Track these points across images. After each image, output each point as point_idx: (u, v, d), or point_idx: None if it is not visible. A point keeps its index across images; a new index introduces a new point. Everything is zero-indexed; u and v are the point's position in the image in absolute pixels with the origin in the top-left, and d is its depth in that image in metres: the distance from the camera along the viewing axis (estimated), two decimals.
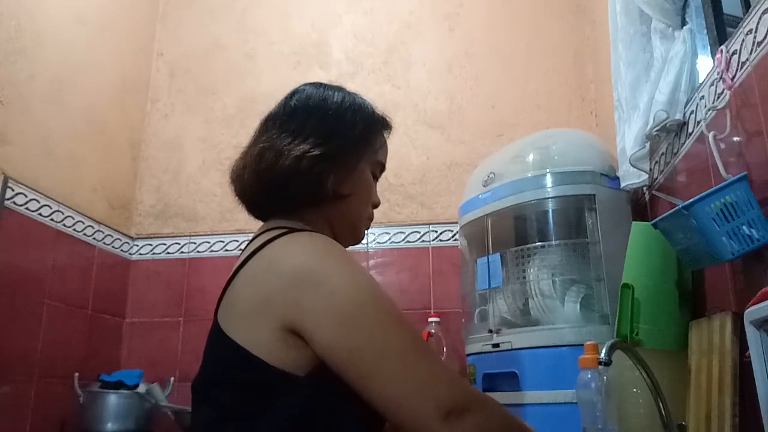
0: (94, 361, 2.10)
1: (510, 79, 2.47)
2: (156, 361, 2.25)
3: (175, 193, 2.50)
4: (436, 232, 2.33)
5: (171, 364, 2.24)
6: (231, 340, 0.77)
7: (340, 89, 0.97)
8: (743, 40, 1.01)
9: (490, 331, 1.61)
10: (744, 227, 0.94)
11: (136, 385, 2.00)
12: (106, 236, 2.24)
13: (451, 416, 0.68)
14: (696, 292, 1.27)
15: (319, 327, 0.72)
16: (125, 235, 2.39)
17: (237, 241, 2.39)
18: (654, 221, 1.15)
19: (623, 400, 1.16)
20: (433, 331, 2.03)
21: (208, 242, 2.42)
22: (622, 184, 1.57)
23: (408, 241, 2.33)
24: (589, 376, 0.95)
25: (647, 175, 1.50)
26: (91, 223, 2.16)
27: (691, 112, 1.28)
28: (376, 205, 1.00)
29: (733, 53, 1.05)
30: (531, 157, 1.68)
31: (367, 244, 2.33)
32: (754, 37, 0.97)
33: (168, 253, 2.42)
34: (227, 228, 2.42)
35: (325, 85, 0.98)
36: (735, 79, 1.04)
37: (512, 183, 1.65)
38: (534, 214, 1.68)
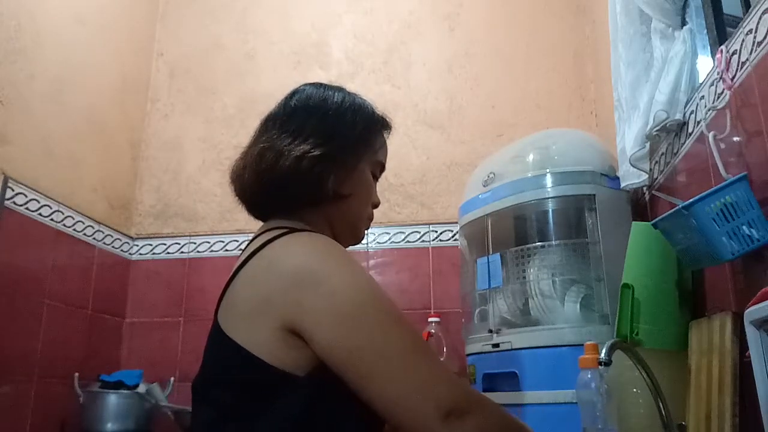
0: (94, 361, 2.10)
1: (510, 79, 2.47)
2: (156, 361, 2.25)
3: (175, 193, 2.50)
4: (436, 232, 2.33)
5: (171, 364, 2.24)
6: (231, 340, 0.77)
7: (340, 89, 0.97)
8: (743, 40, 1.01)
9: (490, 331, 1.61)
10: (744, 227, 0.94)
11: (136, 385, 2.00)
12: (106, 236, 2.24)
13: (451, 417, 0.68)
14: (696, 292, 1.27)
15: (319, 327, 0.72)
16: (125, 235, 2.39)
17: (237, 241, 2.39)
18: (654, 221, 1.15)
19: (623, 400, 1.16)
20: (433, 331, 2.03)
21: (208, 242, 2.42)
22: (622, 184, 1.57)
23: (408, 241, 2.33)
24: (589, 376, 0.95)
25: (647, 175, 1.50)
26: (91, 223, 2.16)
27: (691, 112, 1.28)
28: (376, 205, 1.00)
29: (733, 53, 1.05)
30: (531, 157, 1.68)
31: (367, 244, 2.33)
32: (754, 37, 0.97)
33: (168, 253, 2.42)
34: (227, 228, 2.42)
35: (325, 85, 0.98)
36: (735, 79, 1.04)
37: (512, 183, 1.65)
38: (534, 214, 1.68)
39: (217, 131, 2.54)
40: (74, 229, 2.06)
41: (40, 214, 1.89)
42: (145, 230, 2.46)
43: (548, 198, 1.60)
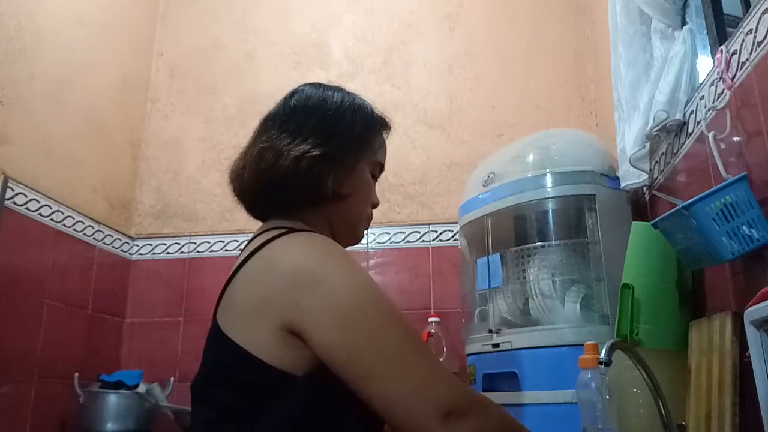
0: (94, 361, 2.10)
1: (510, 79, 2.47)
2: (156, 361, 2.25)
3: (175, 193, 2.50)
4: (436, 232, 2.33)
5: (171, 364, 2.24)
6: (230, 340, 0.77)
7: (339, 89, 0.97)
8: (743, 40, 1.01)
9: (490, 331, 1.61)
10: (744, 227, 0.94)
11: (136, 385, 2.00)
12: (106, 236, 2.24)
13: (450, 417, 0.68)
14: (696, 292, 1.27)
15: (317, 327, 0.72)
16: (125, 235, 2.39)
17: (237, 241, 2.39)
18: (654, 221, 1.15)
19: (623, 400, 1.16)
20: (433, 331, 2.03)
21: (208, 242, 2.42)
22: (622, 184, 1.56)
23: (408, 241, 2.33)
24: (589, 376, 0.95)
25: (647, 175, 1.50)
26: (91, 223, 2.16)
27: (691, 112, 1.28)
28: (375, 205, 1.00)
29: (733, 53, 1.05)
30: (531, 157, 1.68)
31: (367, 244, 2.33)
32: (754, 37, 0.97)
33: (168, 253, 2.42)
34: (227, 228, 2.42)
35: (325, 85, 0.98)
36: (735, 79, 1.04)
37: (512, 183, 1.65)
38: (534, 214, 1.68)
39: (217, 131, 2.54)
40: (74, 229, 2.06)
41: (40, 214, 1.89)
42: (145, 230, 2.46)
43: (548, 198, 1.60)
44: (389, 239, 2.34)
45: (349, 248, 0.95)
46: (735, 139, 1.06)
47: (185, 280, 2.37)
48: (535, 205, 1.64)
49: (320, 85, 0.98)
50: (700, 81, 1.27)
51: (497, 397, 1.49)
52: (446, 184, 2.38)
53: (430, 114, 2.47)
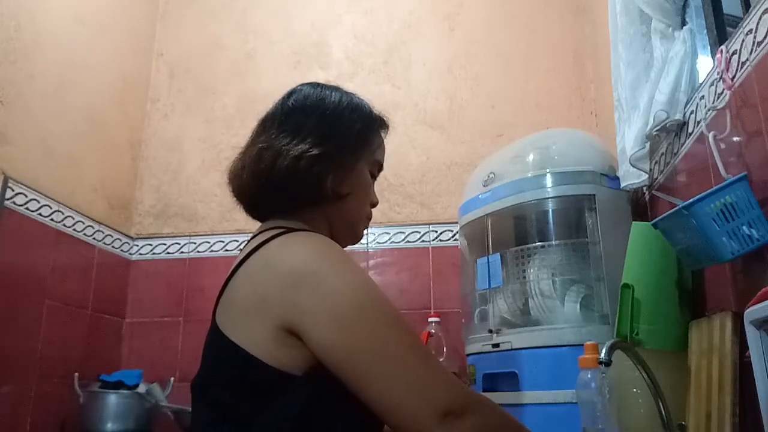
0: (94, 361, 2.10)
1: (510, 79, 2.47)
2: (156, 361, 2.25)
3: (175, 193, 2.50)
4: (436, 232, 2.33)
5: (171, 364, 2.24)
6: (229, 340, 0.77)
7: (337, 89, 0.97)
8: (743, 40, 1.01)
9: (490, 331, 1.61)
10: (744, 227, 0.94)
11: (136, 385, 2.00)
12: (106, 236, 2.25)
13: (449, 417, 0.68)
14: (696, 292, 1.27)
15: (316, 328, 0.72)
16: (125, 235, 2.39)
17: (237, 241, 2.39)
18: (654, 221, 1.15)
19: (623, 400, 1.16)
20: (433, 331, 2.02)
21: (208, 242, 2.42)
22: (622, 184, 1.56)
23: (408, 241, 2.33)
24: (589, 376, 0.95)
25: (647, 175, 1.50)
26: (91, 223, 2.16)
27: (691, 112, 1.28)
28: (374, 205, 1.00)
29: (733, 53, 1.05)
30: (531, 157, 1.68)
31: (366, 244, 2.33)
32: (754, 37, 0.97)
33: (168, 253, 2.42)
34: (227, 228, 2.42)
35: (322, 84, 0.98)
36: (735, 79, 1.04)
37: (512, 183, 1.65)
38: (534, 214, 1.68)
39: (217, 131, 2.54)
40: (74, 229, 2.06)
41: (40, 214, 1.89)
42: (145, 230, 2.46)
43: (548, 198, 1.60)
44: (389, 239, 2.34)
45: (349, 248, 0.95)
46: (735, 139, 1.06)
47: (185, 280, 2.36)
48: (535, 205, 1.63)
49: (318, 84, 0.98)
50: (700, 81, 1.27)
51: (497, 397, 1.49)
52: (446, 184, 2.38)
53: (430, 114, 2.47)
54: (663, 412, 1.07)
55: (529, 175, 1.63)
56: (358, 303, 0.74)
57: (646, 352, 1.14)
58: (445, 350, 2.00)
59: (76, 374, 1.97)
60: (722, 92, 1.10)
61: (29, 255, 1.83)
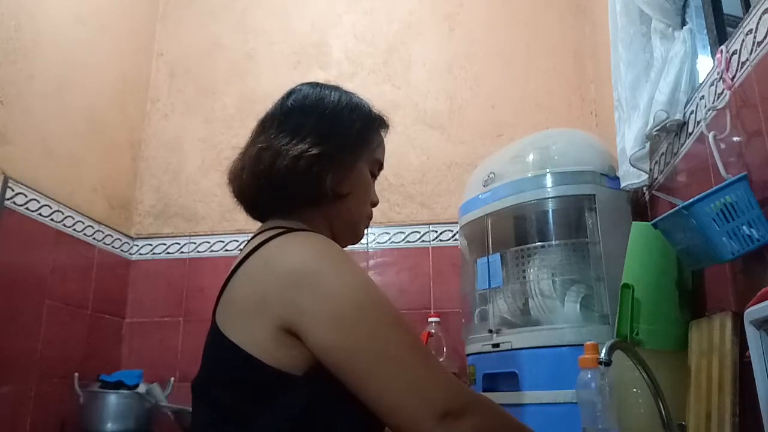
0: (94, 361, 2.10)
1: (510, 79, 2.47)
2: (156, 361, 2.25)
3: (175, 193, 2.50)
4: (436, 232, 2.33)
5: (171, 364, 2.24)
6: (229, 340, 0.77)
7: (336, 88, 0.97)
8: (743, 40, 1.01)
9: (490, 331, 1.61)
10: (744, 227, 0.94)
11: (136, 385, 2.00)
12: (106, 236, 2.25)
13: (448, 418, 0.68)
14: (696, 292, 1.27)
15: (315, 328, 0.72)
16: (125, 235, 2.39)
17: (237, 241, 2.39)
18: (654, 221, 1.15)
19: (623, 400, 1.16)
20: (433, 331, 2.02)
21: (208, 242, 2.42)
22: (622, 184, 1.56)
23: (408, 241, 2.33)
24: (589, 376, 0.95)
25: (647, 175, 1.50)
26: (91, 223, 2.16)
27: (691, 112, 1.28)
28: (374, 204, 1.00)
29: (733, 53, 1.05)
30: (531, 157, 1.68)
31: (366, 244, 2.33)
32: (754, 37, 0.97)
33: (168, 253, 2.42)
34: (227, 228, 2.42)
35: (322, 84, 0.98)
36: (735, 79, 1.04)
37: (512, 183, 1.65)
38: (534, 214, 1.68)
39: (217, 131, 2.54)
40: (74, 229, 2.06)
41: (40, 214, 1.89)
42: (145, 230, 2.46)
43: (548, 198, 1.60)
44: (389, 239, 2.34)
45: (349, 248, 0.95)
46: (735, 139, 1.06)
47: (185, 280, 2.37)
48: (535, 205, 1.63)
49: (317, 84, 0.98)
50: (700, 81, 1.27)
51: (497, 397, 1.49)
52: (446, 184, 2.38)
53: (430, 114, 2.47)
54: (663, 412, 1.07)
55: (529, 175, 1.63)
56: (358, 303, 0.74)
57: (646, 352, 1.14)
58: (445, 350, 2.00)
59: (76, 374, 1.97)
60: (722, 92, 1.10)
61: (29, 255, 1.83)
